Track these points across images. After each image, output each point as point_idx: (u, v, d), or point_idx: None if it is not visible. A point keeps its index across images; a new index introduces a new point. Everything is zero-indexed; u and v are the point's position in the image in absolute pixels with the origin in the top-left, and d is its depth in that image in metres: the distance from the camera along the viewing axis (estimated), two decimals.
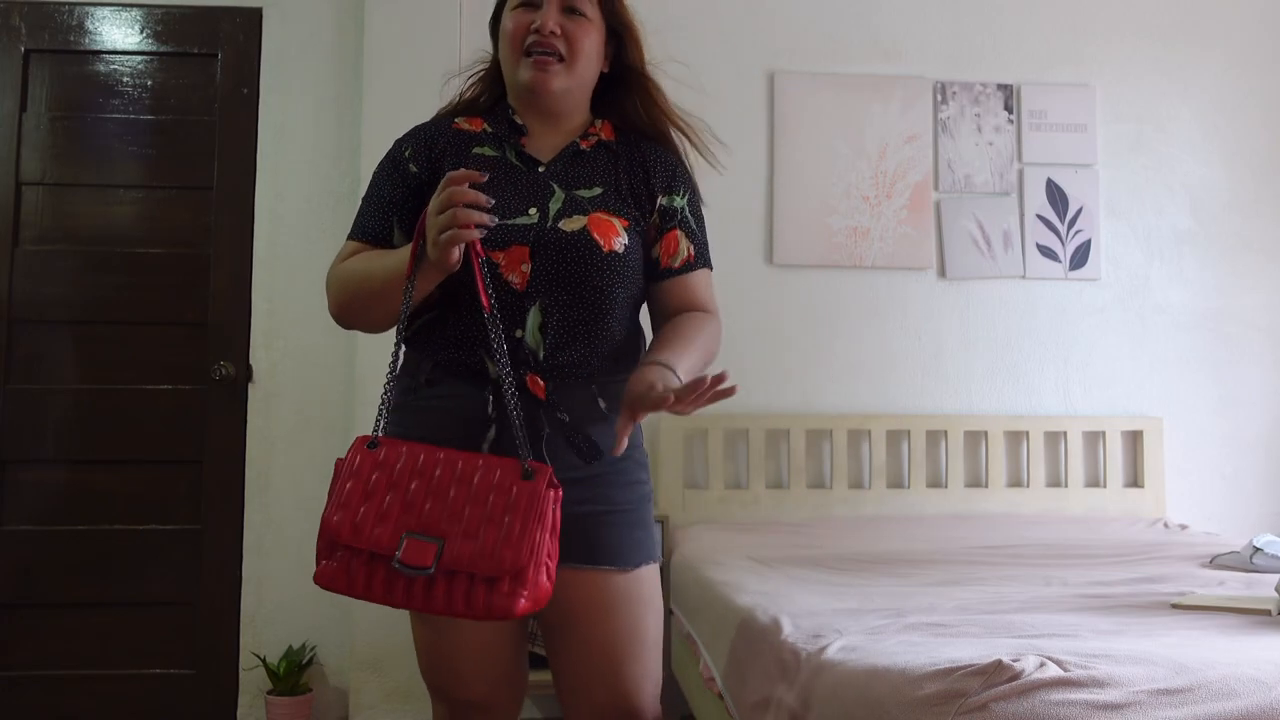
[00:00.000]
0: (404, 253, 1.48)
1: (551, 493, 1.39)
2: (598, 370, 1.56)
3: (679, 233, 1.65)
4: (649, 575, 1.59)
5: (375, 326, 1.57)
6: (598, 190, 1.60)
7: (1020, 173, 3.51)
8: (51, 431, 3.17)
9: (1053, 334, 3.48)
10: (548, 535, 1.38)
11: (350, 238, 1.62)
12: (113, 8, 3.26)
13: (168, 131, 3.26)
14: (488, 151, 1.61)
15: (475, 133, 1.64)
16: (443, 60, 3.15)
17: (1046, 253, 3.49)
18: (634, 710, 1.58)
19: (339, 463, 1.42)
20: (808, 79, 3.44)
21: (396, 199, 1.60)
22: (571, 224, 1.54)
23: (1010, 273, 3.47)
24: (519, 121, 1.63)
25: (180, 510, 3.19)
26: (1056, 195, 3.50)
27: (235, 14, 3.29)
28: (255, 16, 3.29)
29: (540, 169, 1.60)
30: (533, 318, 1.52)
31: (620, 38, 1.67)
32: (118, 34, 3.26)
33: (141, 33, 3.27)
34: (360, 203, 1.65)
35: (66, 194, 3.22)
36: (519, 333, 1.52)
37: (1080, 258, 3.50)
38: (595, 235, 1.54)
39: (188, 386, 3.21)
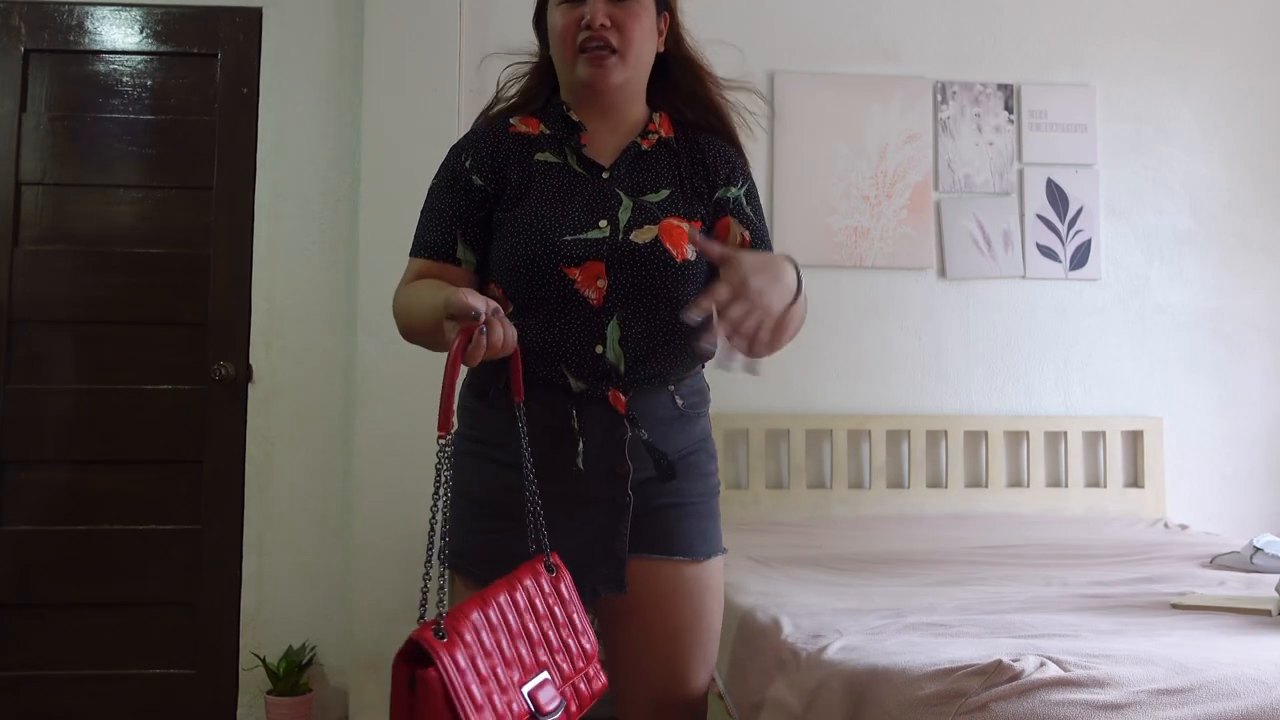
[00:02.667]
0: (449, 293, 1.38)
1: (569, 575, 1.44)
2: (674, 375, 1.57)
3: (731, 220, 1.62)
4: (717, 566, 1.62)
5: (438, 350, 1.51)
6: (665, 193, 1.58)
7: (1020, 173, 3.51)
8: (51, 431, 3.17)
9: (1053, 334, 3.48)
10: None
11: (413, 255, 1.59)
12: (113, 8, 3.25)
13: (168, 131, 3.26)
14: (550, 158, 1.59)
15: (534, 136, 1.61)
16: (443, 60, 3.16)
17: (1046, 253, 3.49)
18: (690, 694, 1.60)
19: (414, 671, 1.22)
20: (808, 79, 3.44)
21: (460, 212, 1.56)
22: (643, 235, 1.52)
23: (1010, 273, 3.47)
24: (575, 119, 1.60)
25: (180, 510, 3.19)
26: (1056, 195, 3.50)
27: (235, 14, 3.28)
28: (255, 16, 3.29)
29: (605, 175, 1.58)
30: (612, 332, 1.51)
31: (672, 14, 1.65)
32: (118, 34, 3.26)
33: (141, 33, 3.27)
34: (419, 217, 1.61)
35: (66, 194, 3.22)
36: (599, 348, 1.50)
37: (1080, 258, 3.50)
38: (668, 245, 1.52)
39: (188, 386, 3.21)
